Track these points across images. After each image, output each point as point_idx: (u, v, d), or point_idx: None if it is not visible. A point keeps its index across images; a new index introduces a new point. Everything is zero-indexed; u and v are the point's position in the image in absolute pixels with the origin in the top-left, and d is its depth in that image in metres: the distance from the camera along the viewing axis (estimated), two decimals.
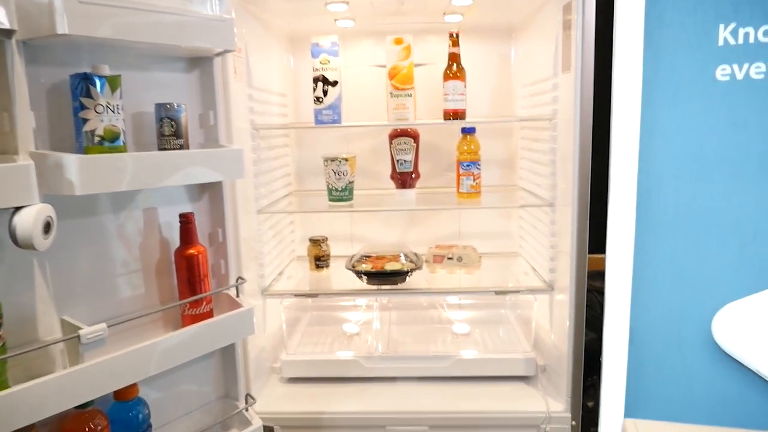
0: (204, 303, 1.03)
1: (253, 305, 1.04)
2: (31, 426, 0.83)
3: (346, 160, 1.40)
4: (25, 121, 0.81)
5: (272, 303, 1.46)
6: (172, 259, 1.05)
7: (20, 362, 0.85)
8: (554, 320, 1.33)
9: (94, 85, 0.86)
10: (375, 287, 1.37)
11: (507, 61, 1.58)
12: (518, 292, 1.33)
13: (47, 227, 0.79)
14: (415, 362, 1.36)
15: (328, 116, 1.35)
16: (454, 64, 1.33)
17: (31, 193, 0.77)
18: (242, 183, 1.24)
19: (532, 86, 1.44)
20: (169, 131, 0.95)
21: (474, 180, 1.39)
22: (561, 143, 1.24)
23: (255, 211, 1.37)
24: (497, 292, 1.32)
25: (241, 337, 1.01)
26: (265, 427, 1.21)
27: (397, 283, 1.37)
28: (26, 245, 0.77)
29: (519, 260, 1.63)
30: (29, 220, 0.76)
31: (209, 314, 1.04)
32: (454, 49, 1.33)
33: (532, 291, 1.33)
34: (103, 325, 0.87)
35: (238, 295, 1.07)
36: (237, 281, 1.08)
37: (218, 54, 1.05)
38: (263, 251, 1.41)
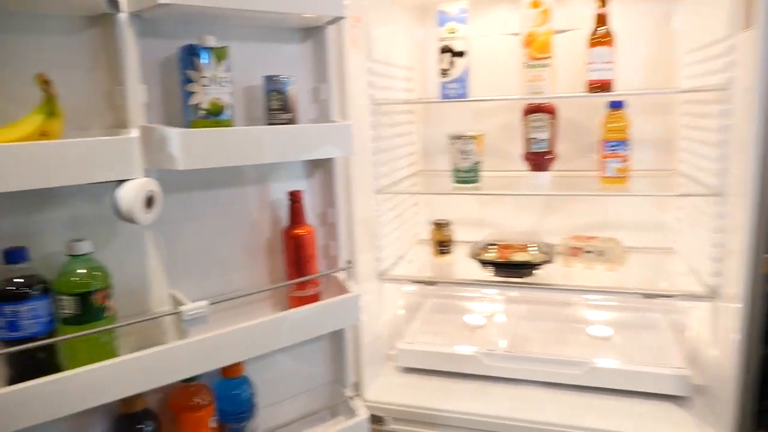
0: (309, 285, 1.01)
1: (360, 291, 1.00)
2: (139, 395, 0.86)
3: (473, 138, 1.34)
4: (136, 94, 0.83)
5: (391, 288, 1.43)
6: (280, 238, 1.04)
7: (134, 332, 0.87)
8: (718, 331, 1.17)
9: (199, 57, 0.86)
10: (499, 279, 1.30)
11: (665, 23, 1.42)
12: (672, 296, 1.18)
13: (149, 201, 0.79)
14: (542, 365, 1.27)
15: (454, 90, 1.29)
16: (602, 28, 1.22)
17: (135, 167, 0.77)
18: (359, 161, 1.21)
19: (698, 52, 1.28)
20: (276, 105, 0.93)
21: (621, 162, 1.26)
22: (736, 119, 1.08)
23: (373, 191, 1.33)
24: (645, 295, 1.18)
25: (344, 324, 0.99)
26: (374, 417, 1.18)
27: (523, 276, 1.30)
28: (128, 219, 0.78)
29: (674, 258, 1.46)
30: (130, 193, 0.77)
31: (315, 297, 1.02)
32: (602, 10, 1.22)
33: (691, 297, 1.18)
34: (204, 303, 0.87)
35: (347, 279, 1.04)
36: (346, 264, 1.06)
37: (329, 22, 1.01)
38: (381, 233, 1.38)
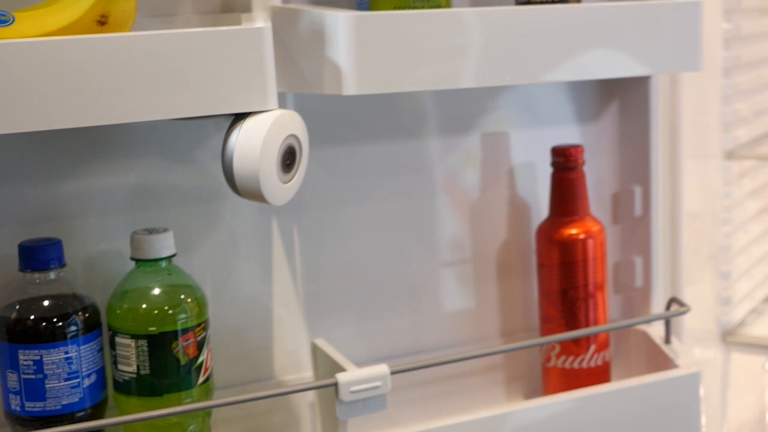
0: (592, 345, 0.87)
1: (701, 365, 0.84)
2: None
3: None
4: None
5: (742, 361, 1.22)
6: (531, 244, 0.93)
7: (239, 416, 0.80)
8: None
9: None
10: None
11: None
12: None
13: (289, 157, 0.67)
14: None
15: None
16: None
17: (267, 88, 0.66)
18: (696, 88, 1.05)
19: None
20: None
21: None
22: None
23: (720, 155, 1.13)
24: None
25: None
26: None
27: None
28: (250, 190, 0.66)
29: None
30: (256, 141, 0.65)
31: (602, 371, 0.88)
32: None
33: None
34: (382, 369, 0.73)
35: (668, 338, 0.88)
36: (669, 306, 0.88)
37: None
38: (732, 246, 1.16)
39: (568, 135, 0.93)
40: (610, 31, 0.74)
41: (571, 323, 0.87)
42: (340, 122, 0.82)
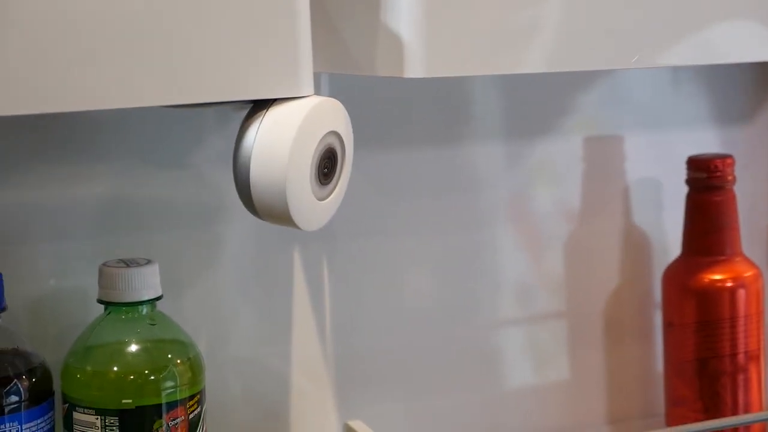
0: None
1: None
2: None
3: None
4: None
5: None
6: (655, 295, 0.93)
7: None
8: None
9: None
10: None
11: None
12: None
13: (328, 164, 0.67)
14: None
15: None
16: None
17: (296, 66, 0.65)
18: None
19: None
20: None
21: None
22: None
23: None
24: None
25: None
26: None
27: None
28: (273, 209, 0.65)
29: None
30: (284, 140, 0.64)
31: None
32: None
33: None
34: None
35: None
36: None
37: None
38: None
39: (708, 142, 0.94)
40: None
41: (712, 407, 0.86)
42: (383, 118, 0.83)
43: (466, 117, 0.88)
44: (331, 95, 0.73)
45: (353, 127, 0.73)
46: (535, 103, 0.90)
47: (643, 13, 0.74)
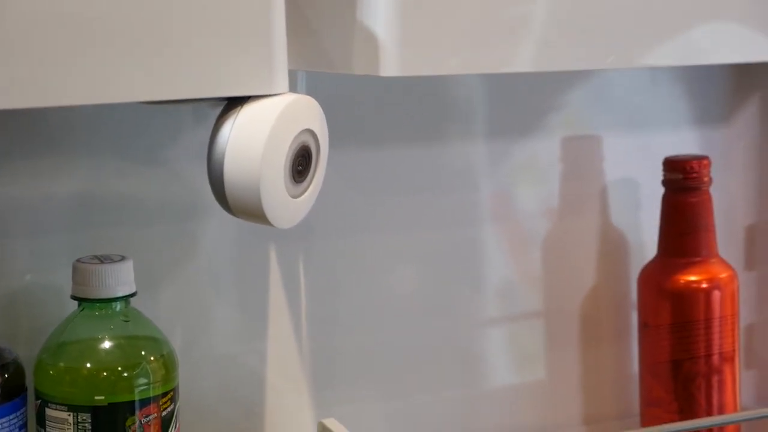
0: None
1: None
2: None
3: None
4: None
5: None
6: (631, 295, 0.94)
7: None
8: None
9: None
10: None
11: None
12: None
13: (302, 161, 0.67)
14: None
15: None
16: None
17: (271, 63, 0.65)
18: None
19: None
20: None
21: None
22: None
23: None
24: None
25: None
26: None
27: None
28: (246, 206, 0.65)
29: None
30: (258, 137, 0.64)
31: None
32: None
33: None
34: None
35: None
36: None
37: None
38: None
39: (686, 143, 0.94)
40: None
41: (687, 408, 0.86)
42: (363, 116, 0.83)
43: (445, 115, 0.89)
44: (309, 93, 0.73)
45: (334, 125, 0.74)
46: (516, 102, 0.90)
47: (624, 13, 0.74)
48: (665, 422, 0.87)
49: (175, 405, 0.70)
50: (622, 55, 0.75)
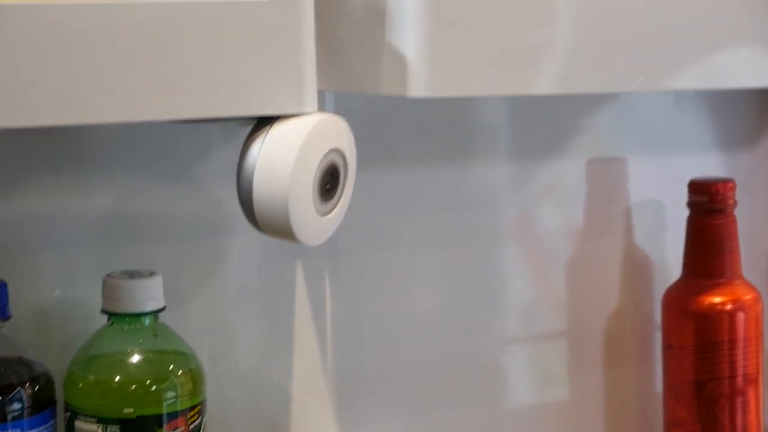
0: None
1: None
2: None
3: None
4: None
5: None
6: (655, 316, 0.93)
7: None
8: None
9: None
10: None
11: None
12: None
13: (330, 180, 0.67)
14: None
15: None
16: None
17: (301, 83, 0.65)
18: None
19: None
20: None
21: None
22: None
23: None
24: None
25: None
26: None
27: None
28: (275, 223, 0.65)
29: None
30: (287, 156, 0.64)
31: None
32: None
33: None
34: None
35: None
36: None
37: None
38: None
39: (710, 166, 0.94)
40: None
41: (710, 430, 0.85)
42: (389, 135, 0.83)
43: (471, 136, 0.89)
44: (337, 113, 0.74)
45: (361, 144, 0.75)
46: (541, 124, 0.90)
47: (650, 37, 0.74)
48: None
49: (202, 419, 0.70)
50: (648, 78, 0.75)
